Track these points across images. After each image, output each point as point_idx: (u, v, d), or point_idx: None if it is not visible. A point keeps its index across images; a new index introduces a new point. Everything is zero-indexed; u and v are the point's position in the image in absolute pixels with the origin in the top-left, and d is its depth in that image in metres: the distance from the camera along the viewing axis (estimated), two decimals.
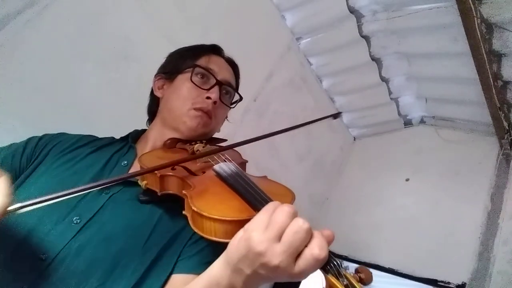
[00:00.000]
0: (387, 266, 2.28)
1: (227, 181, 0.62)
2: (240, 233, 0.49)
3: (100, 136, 0.92)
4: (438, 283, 2.05)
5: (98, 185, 0.54)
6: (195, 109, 0.83)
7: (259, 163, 2.04)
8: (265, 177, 0.73)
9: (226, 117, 0.97)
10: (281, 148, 2.40)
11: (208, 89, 0.85)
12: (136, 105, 1.47)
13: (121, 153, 0.83)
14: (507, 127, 2.12)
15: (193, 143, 0.81)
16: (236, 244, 0.49)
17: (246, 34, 1.99)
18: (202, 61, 0.88)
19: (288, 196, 0.62)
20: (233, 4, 1.96)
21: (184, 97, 0.84)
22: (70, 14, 1.40)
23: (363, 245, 2.42)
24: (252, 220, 0.49)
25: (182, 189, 0.63)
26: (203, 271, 0.56)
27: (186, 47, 0.96)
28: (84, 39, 1.43)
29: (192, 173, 0.67)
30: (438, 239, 2.17)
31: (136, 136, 0.91)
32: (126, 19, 1.56)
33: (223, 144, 0.90)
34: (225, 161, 0.68)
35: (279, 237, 0.46)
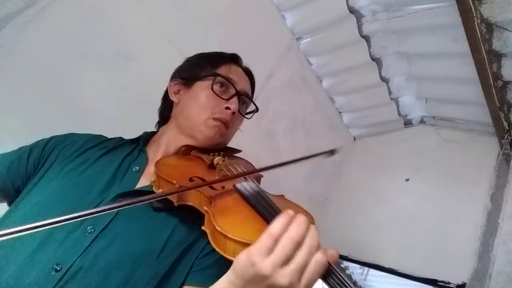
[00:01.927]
0: (387, 266, 2.27)
1: (249, 201, 0.62)
2: (244, 254, 0.49)
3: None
4: (438, 283, 2.05)
5: (118, 206, 0.53)
6: (214, 118, 0.82)
7: (260, 163, 2.04)
8: (282, 196, 0.73)
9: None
10: (282, 148, 2.40)
11: (228, 99, 0.83)
12: (136, 105, 1.48)
13: (132, 157, 0.81)
14: (507, 127, 2.12)
15: (211, 154, 0.80)
16: (242, 267, 0.49)
17: (246, 34, 1.99)
18: (222, 70, 0.86)
19: (308, 218, 0.60)
20: (233, 4, 1.96)
21: (203, 105, 0.83)
22: (70, 14, 1.40)
23: (363, 245, 2.42)
24: (256, 244, 0.49)
25: (201, 204, 0.63)
26: None
27: (204, 54, 0.95)
28: (84, 39, 1.43)
29: (211, 187, 0.66)
30: (438, 239, 2.17)
31: (146, 138, 0.89)
32: (126, 19, 1.56)
33: (239, 154, 0.90)
34: (245, 178, 0.67)
35: (286, 262, 0.47)
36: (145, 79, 1.53)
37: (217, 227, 0.54)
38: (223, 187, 0.67)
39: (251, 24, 2.06)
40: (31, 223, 0.45)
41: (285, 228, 0.49)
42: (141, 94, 1.53)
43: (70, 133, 0.87)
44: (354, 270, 3.65)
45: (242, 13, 2.02)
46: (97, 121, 1.44)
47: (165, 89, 0.94)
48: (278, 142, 2.37)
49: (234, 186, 0.66)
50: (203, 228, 0.58)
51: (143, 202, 0.55)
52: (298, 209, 0.66)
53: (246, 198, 0.63)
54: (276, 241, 0.48)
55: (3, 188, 0.79)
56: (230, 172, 0.71)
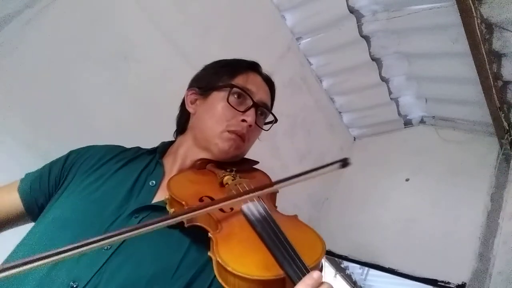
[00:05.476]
0: (387, 266, 2.28)
1: (255, 227, 0.59)
2: None
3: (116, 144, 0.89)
4: (438, 283, 2.05)
5: (127, 230, 0.51)
6: (229, 131, 0.80)
7: (261, 163, 2.04)
8: (295, 217, 0.69)
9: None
10: (282, 148, 2.40)
11: (244, 111, 0.81)
12: (136, 105, 1.47)
13: (149, 171, 0.80)
14: (507, 127, 2.12)
15: (225, 170, 0.77)
16: None
17: (246, 34, 1.99)
18: (239, 80, 0.84)
19: (318, 246, 0.59)
20: (233, 4, 1.96)
21: (219, 117, 0.80)
22: (70, 14, 1.39)
23: (363, 245, 2.42)
24: None
25: (209, 226, 0.61)
26: None
27: (222, 61, 0.92)
28: (84, 39, 1.43)
29: (220, 209, 0.64)
30: (438, 239, 2.17)
31: (163, 149, 0.87)
32: (126, 19, 1.56)
33: (256, 166, 0.88)
34: (254, 199, 0.64)
35: None
36: (145, 79, 1.53)
37: (218, 259, 0.53)
38: (231, 209, 0.65)
39: (251, 24, 2.06)
40: (45, 249, 0.45)
41: None
42: (141, 94, 1.53)
43: (89, 146, 0.87)
44: (354, 270, 3.64)
45: (242, 13, 2.01)
46: (97, 121, 1.44)
47: (182, 98, 0.92)
48: (278, 142, 2.37)
49: (241, 208, 0.63)
50: (209, 254, 0.56)
51: (150, 227, 0.53)
52: (309, 234, 0.63)
53: (251, 224, 0.60)
54: None
55: (27, 206, 0.79)
56: (242, 188, 0.68)
